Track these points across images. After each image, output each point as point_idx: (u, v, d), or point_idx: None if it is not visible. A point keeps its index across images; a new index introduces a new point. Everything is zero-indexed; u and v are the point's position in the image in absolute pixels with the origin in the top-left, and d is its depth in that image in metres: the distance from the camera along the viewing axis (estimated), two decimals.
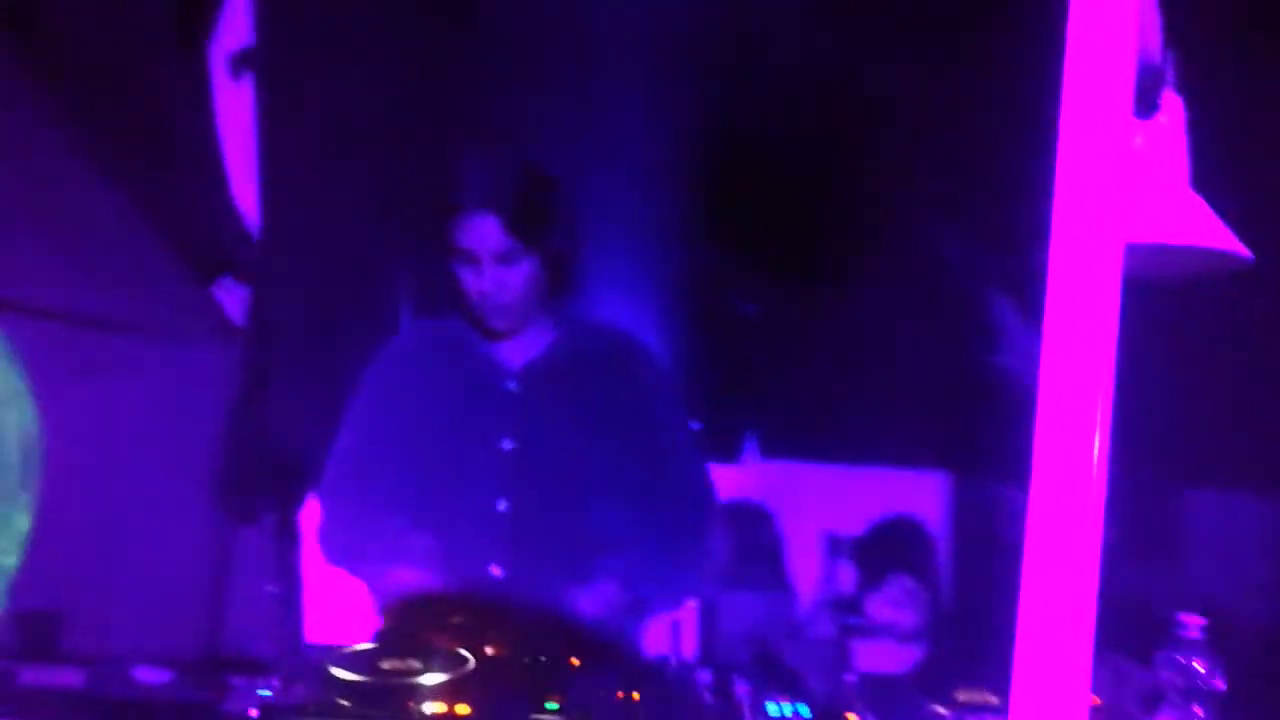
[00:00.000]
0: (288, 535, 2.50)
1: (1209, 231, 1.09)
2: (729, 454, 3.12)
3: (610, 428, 1.79)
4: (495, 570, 1.75)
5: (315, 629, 2.57)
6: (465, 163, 1.78)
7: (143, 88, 2.02)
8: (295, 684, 1.35)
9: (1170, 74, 1.10)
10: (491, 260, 1.72)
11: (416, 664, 1.43)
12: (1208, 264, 1.11)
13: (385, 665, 1.43)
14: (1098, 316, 0.82)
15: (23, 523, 2.24)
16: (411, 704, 1.31)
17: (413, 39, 2.45)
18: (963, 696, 1.44)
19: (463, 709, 1.30)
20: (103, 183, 2.01)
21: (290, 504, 2.41)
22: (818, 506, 3.18)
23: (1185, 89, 1.11)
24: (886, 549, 3.40)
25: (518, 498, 1.76)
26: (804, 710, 1.37)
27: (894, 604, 3.38)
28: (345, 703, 1.31)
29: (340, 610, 2.63)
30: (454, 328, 1.86)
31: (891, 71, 2.44)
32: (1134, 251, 1.04)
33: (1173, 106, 1.11)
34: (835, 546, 3.45)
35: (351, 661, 1.42)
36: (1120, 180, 0.82)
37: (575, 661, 1.51)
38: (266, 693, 1.32)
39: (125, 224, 2.06)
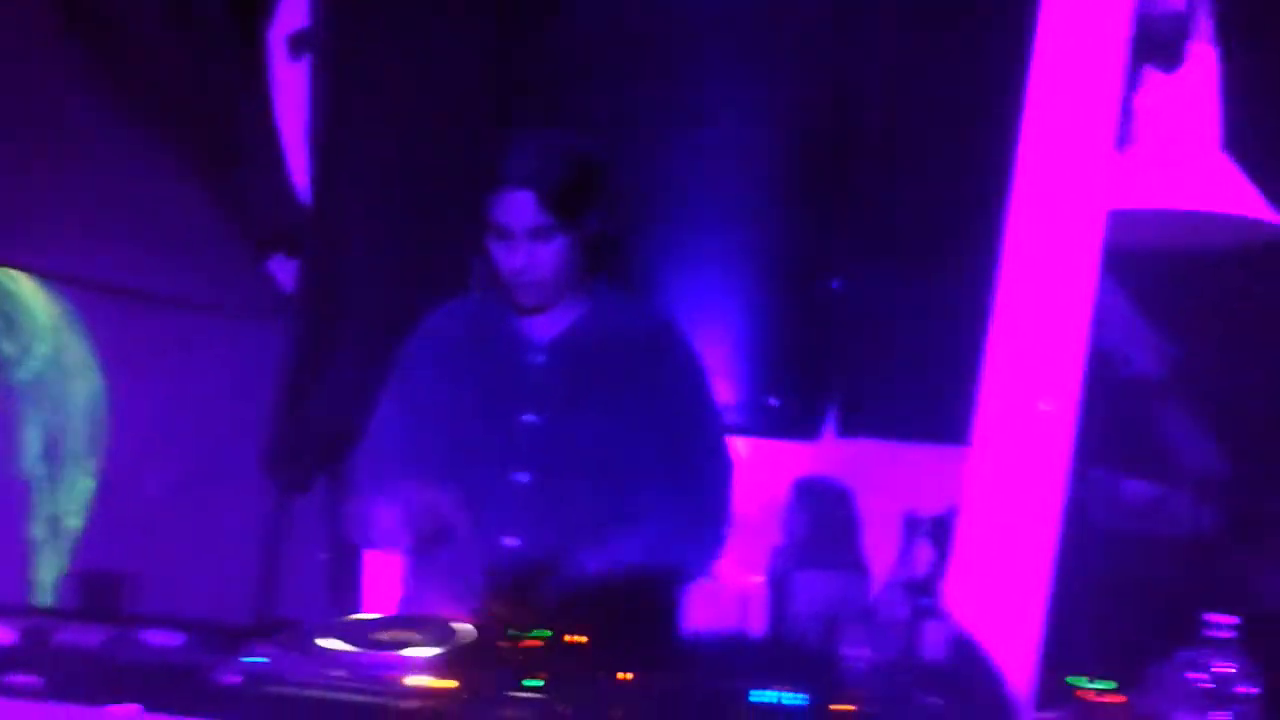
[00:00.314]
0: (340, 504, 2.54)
1: (1239, 198, 0.98)
2: (808, 431, 3.06)
3: (633, 403, 1.76)
4: (510, 541, 1.75)
5: (374, 597, 2.62)
6: (509, 140, 1.77)
7: (202, 72, 2.07)
8: (287, 654, 1.36)
9: (1200, 23, 0.98)
10: (525, 236, 1.71)
11: (410, 636, 1.43)
12: (1238, 233, 1.00)
13: (379, 637, 1.43)
14: (1059, 286, 0.74)
15: (87, 486, 2.37)
16: (396, 677, 1.30)
17: (472, 16, 2.46)
18: None
19: (446, 684, 1.28)
20: (165, 165, 2.07)
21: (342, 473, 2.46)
22: (897, 485, 3.08)
23: (1220, 40, 1.00)
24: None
25: (538, 470, 1.75)
26: (791, 699, 1.30)
27: None
28: (334, 674, 1.30)
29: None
30: (487, 303, 1.87)
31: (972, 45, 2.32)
32: (1155, 220, 0.94)
33: (1203, 60, 1.00)
34: (913, 526, 3.32)
35: (344, 632, 1.42)
36: (1099, 141, 0.73)
37: (573, 639, 1.48)
38: (260, 660, 1.33)
39: (186, 205, 2.12)
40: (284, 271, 2.33)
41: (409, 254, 2.39)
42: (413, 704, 1.23)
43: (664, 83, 2.72)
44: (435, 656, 1.37)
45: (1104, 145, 0.73)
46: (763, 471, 3.04)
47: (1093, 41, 0.72)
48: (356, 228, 2.29)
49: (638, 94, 2.73)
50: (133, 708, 1.18)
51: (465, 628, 1.47)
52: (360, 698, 1.25)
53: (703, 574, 1.86)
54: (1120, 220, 1.01)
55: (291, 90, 2.30)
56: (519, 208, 1.70)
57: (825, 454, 2.98)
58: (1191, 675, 1.26)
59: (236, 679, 1.27)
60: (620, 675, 1.34)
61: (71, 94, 1.95)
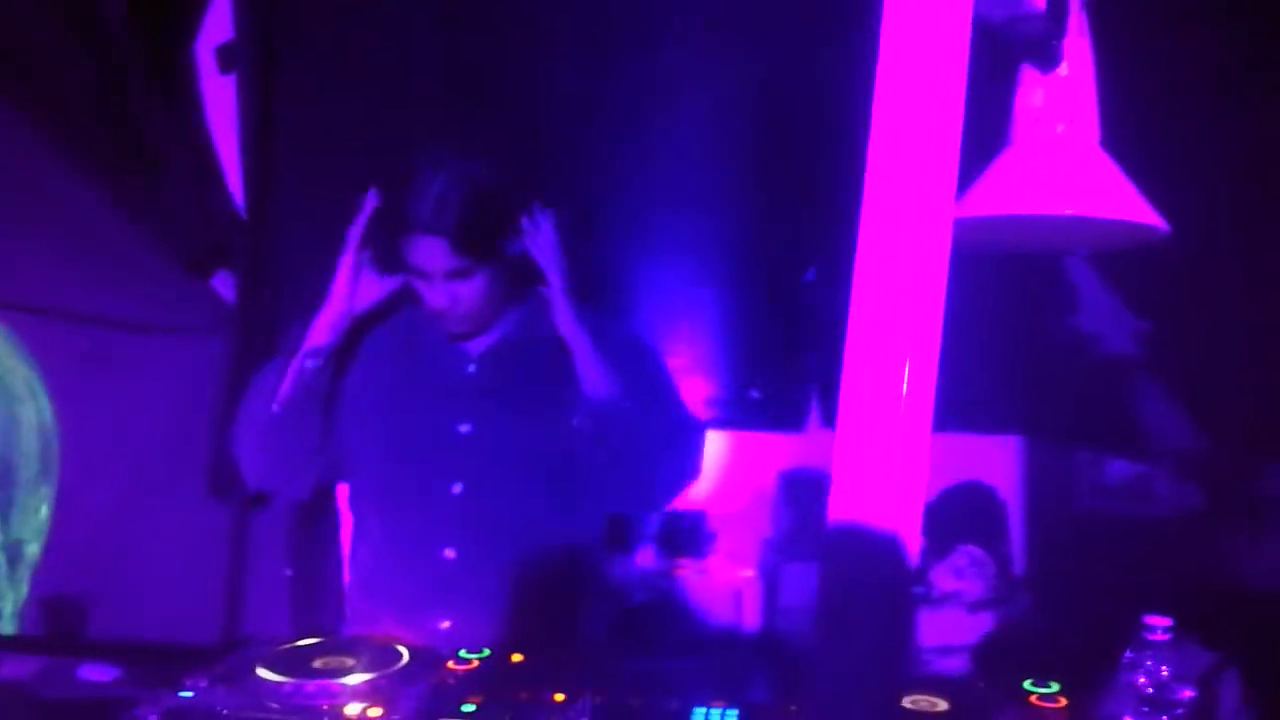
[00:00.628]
0: (306, 520, 2.54)
1: (1118, 200, 0.96)
2: (793, 422, 3.05)
3: (563, 407, 1.72)
4: (449, 553, 1.74)
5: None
6: (411, 182, 1.66)
7: (119, 90, 2.04)
8: (220, 684, 1.35)
9: (1074, 20, 0.97)
10: (443, 277, 1.67)
11: (346, 661, 1.43)
12: (1116, 236, 0.98)
13: (316, 663, 1.43)
14: (907, 291, 0.73)
15: (44, 511, 2.36)
16: (330, 705, 1.30)
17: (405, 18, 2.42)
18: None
19: (374, 711, 1.28)
20: (102, 189, 2.04)
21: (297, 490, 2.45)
22: None
23: (1094, 35, 0.98)
24: (953, 517, 3.29)
25: (471, 480, 1.74)
26: (732, 716, 1.30)
27: (958, 573, 3.27)
28: (264, 705, 1.30)
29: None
30: (417, 316, 1.82)
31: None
32: (1031, 224, 0.93)
33: (1078, 56, 0.98)
34: None
35: (281, 660, 1.42)
36: (943, 145, 0.72)
37: (517, 658, 1.48)
38: (187, 694, 1.32)
39: (121, 226, 2.10)
40: (225, 287, 2.31)
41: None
42: None
43: (636, 65, 2.69)
44: (370, 681, 1.36)
45: (949, 149, 0.71)
46: (748, 465, 3.05)
47: (933, 43, 0.70)
48: (294, 241, 2.26)
49: (605, 79, 2.71)
50: None
51: (402, 650, 1.47)
52: None
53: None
54: (1001, 225, 1.00)
55: (223, 104, 2.27)
56: (432, 252, 1.65)
57: (811, 445, 2.98)
58: (1131, 677, 1.26)
59: (155, 717, 1.26)
60: (555, 696, 1.33)
61: None
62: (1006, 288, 2.97)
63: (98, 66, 1.98)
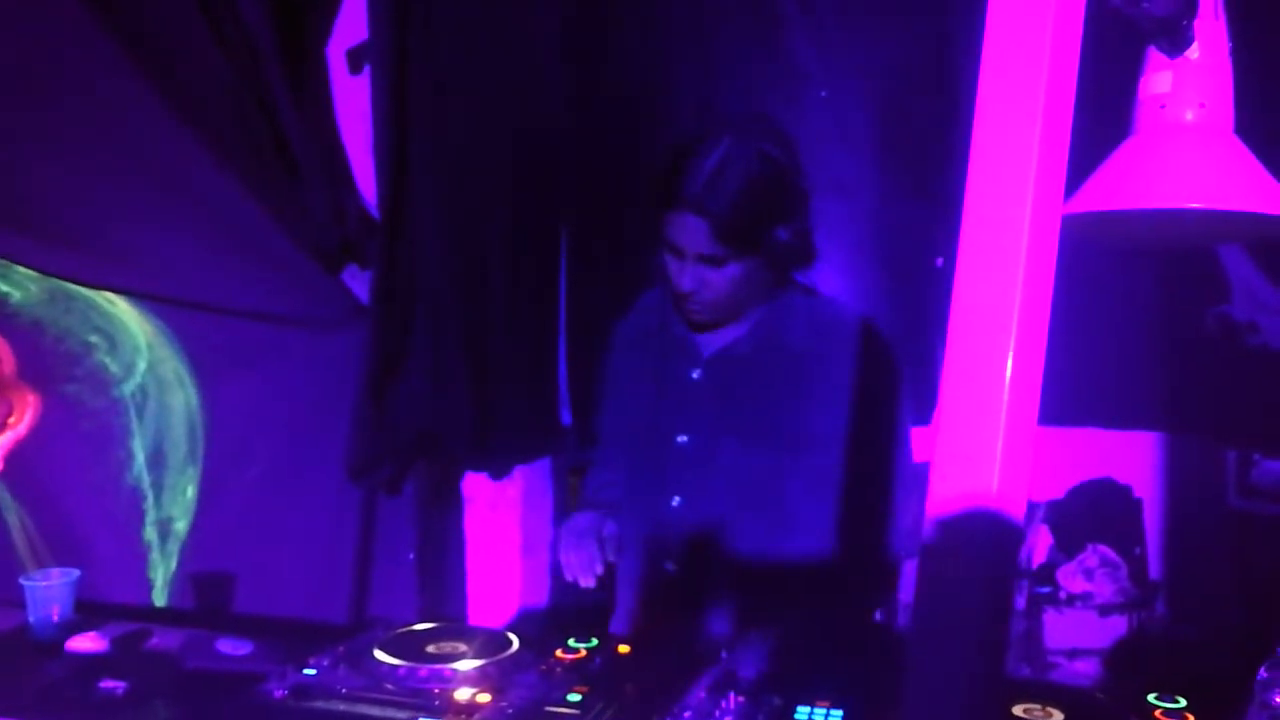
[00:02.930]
0: (433, 504, 2.63)
1: (1253, 191, 0.90)
2: (919, 414, 3.00)
3: (782, 419, 1.62)
4: (669, 566, 1.69)
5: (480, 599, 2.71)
6: (686, 150, 1.55)
7: (269, 97, 2.14)
8: (341, 664, 1.42)
9: None
10: (696, 260, 1.58)
11: (461, 647, 1.47)
12: (1251, 229, 0.92)
13: (431, 648, 1.47)
14: (1003, 291, 0.70)
15: (190, 492, 2.51)
16: (439, 690, 1.34)
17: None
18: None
19: (483, 697, 1.31)
20: (244, 188, 2.14)
21: (432, 473, 2.54)
22: None
23: (1228, 14, 0.92)
24: (1084, 515, 3.16)
25: (688, 493, 1.68)
26: (837, 716, 1.28)
27: (1088, 574, 3.14)
28: (386, 687, 1.35)
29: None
30: (667, 303, 1.73)
31: None
32: (1157, 218, 0.89)
33: (1211, 37, 0.92)
34: (1030, 511, 3.23)
35: (399, 644, 1.47)
36: (1053, 132, 0.69)
37: (624, 649, 1.49)
38: (311, 672, 1.39)
39: (269, 224, 2.19)
40: (357, 283, 2.40)
41: (479, 255, 2.43)
42: (452, 718, 1.26)
43: (760, 52, 2.66)
44: (480, 668, 1.40)
45: (1058, 136, 0.68)
46: None
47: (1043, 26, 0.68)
48: (426, 233, 2.33)
49: (733, 66, 2.69)
50: None
51: (513, 638, 1.51)
52: (400, 713, 1.29)
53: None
54: (1124, 220, 0.94)
55: (353, 103, 2.36)
56: (691, 233, 1.55)
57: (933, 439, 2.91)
58: (1267, 697, 1.18)
59: (282, 692, 1.33)
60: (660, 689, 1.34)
61: (145, 126, 2.04)
62: (1148, 276, 2.82)
63: (239, 67, 2.08)
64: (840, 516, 1.61)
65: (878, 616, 1.92)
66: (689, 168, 1.53)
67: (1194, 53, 0.91)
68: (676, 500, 1.68)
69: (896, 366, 1.67)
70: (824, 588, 1.61)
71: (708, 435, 1.66)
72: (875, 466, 1.63)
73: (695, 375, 1.69)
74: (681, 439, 1.68)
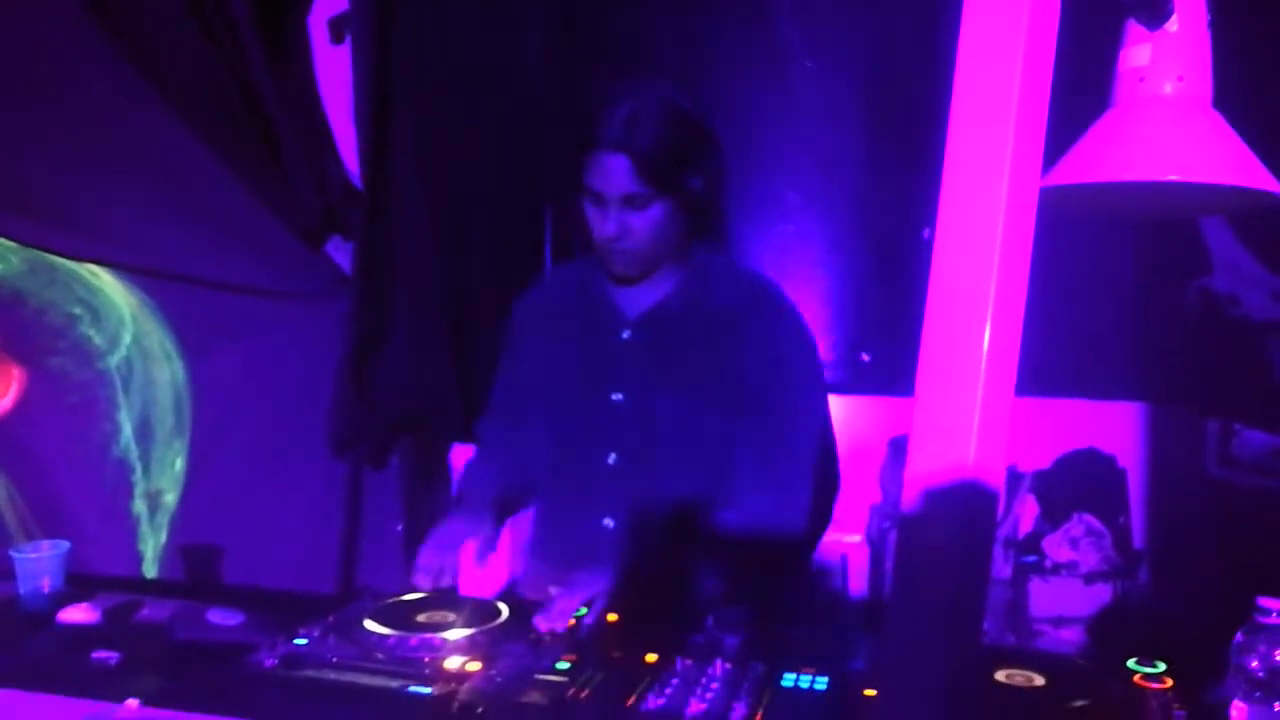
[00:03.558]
0: (419, 476, 2.64)
1: (1231, 164, 0.91)
2: (904, 386, 3.01)
3: (722, 378, 1.67)
4: (608, 523, 1.73)
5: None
6: (602, 99, 1.62)
7: (249, 70, 2.12)
8: (331, 634, 1.43)
9: None
10: (619, 203, 1.62)
11: (450, 616, 1.49)
12: (1230, 201, 0.93)
13: (421, 618, 1.49)
14: (980, 262, 0.71)
15: (179, 464, 2.52)
16: (429, 659, 1.35)
17: None
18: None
19: (473, 665, 1.33)
20: (226, 161, 2.13)
21: (419, 445, 2.55)
22: None
23: None
24: (1069, 484, 3.19)
25: (624, 451, 1.72)
26: (821, 683, 1.30)
27: (1073, 543, 3.18)
28: (376, 656, 1.37)
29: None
30: (585, 271, 1.80)
31: None
32: (1136, 191, 0.90)
33: (1191, 11, 0.93)
34: (1016, 481, 3.26)
35: (388, 614, 1.49)
36: (1028, 111, 0.69)
37: (613, 618, 1.51)
38: (302, 641, 1.40)
39: (251, 197, 2.19)
40: (340, 254, 2.39)
41: (462, 230, 2.42)
42: (442, 686, 1.28)
43: (743, 25, 2.65)
44: (470, 637, 1.42)
45: (1035, 108, 0.69)
46: (857, 429, 3.02)
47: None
48: (408, 207, 2.32)
49: (717, 40, 2.68)
50: (131, 703, 1.25)
51: (502, 607, 1.52)
52: (391, 681, 1.30)
53: (809, 546, 1.75)
54: (1103, 192, 0.95)
55: (335, 73, 2.34)
56: (613, 173, 1.60)
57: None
58: (1242, 660, 1.21)
59: (273, 662, 1.34)
60: (647, 657, 1.36)
61: (119, 98, 2.02)
62: (1131, 250, 2.84)
63: (218, 41, 2.07)
64: (778, 476, 1.67)
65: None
66: (607, 115, 1.60)
67: (1173, 25, 0.92)
68: (613, 457, 1.72)
69: (808, 330, 1.74)
70: (760, 546, 1.66)
71: (642, 392, 1.71)
72: (804, 425, 1.70)
73: (625, 335, 1.74)
74: (616, 396, 1.72)
